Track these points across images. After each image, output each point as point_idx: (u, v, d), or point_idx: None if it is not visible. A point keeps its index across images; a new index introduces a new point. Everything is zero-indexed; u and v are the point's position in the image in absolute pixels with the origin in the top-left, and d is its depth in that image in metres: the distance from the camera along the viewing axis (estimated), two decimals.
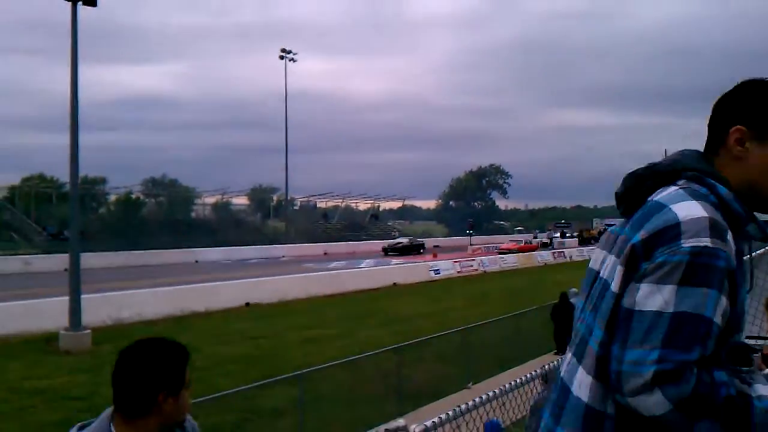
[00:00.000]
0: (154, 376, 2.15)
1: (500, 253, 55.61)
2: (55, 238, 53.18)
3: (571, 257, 57.11)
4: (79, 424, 2.19)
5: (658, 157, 1.79)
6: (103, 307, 21.32)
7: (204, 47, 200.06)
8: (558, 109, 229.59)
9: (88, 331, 18.50)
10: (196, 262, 49.26)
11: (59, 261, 35.97)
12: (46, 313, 19.74)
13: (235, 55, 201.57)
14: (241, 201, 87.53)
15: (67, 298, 18.90)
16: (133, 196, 77.42)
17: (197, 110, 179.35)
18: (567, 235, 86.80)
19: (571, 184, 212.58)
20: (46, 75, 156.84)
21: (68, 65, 19.48)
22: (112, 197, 78.13)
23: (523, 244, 64.66)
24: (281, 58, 69.97)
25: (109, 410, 2.18)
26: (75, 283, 18.76)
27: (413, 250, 62.84)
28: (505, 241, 70.49)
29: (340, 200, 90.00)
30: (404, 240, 67.12)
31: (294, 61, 70.84)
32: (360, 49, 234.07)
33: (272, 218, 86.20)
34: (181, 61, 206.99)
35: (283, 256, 55.64)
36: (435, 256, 52.02)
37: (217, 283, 28.03)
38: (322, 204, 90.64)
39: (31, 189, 67.61)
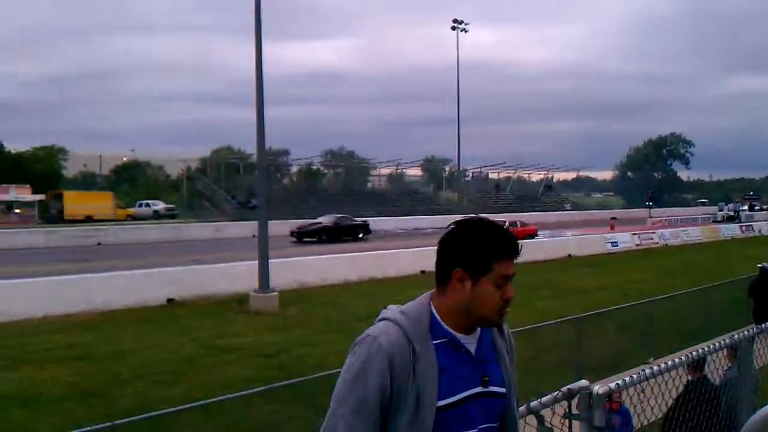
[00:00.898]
0: (455, 248, 2.08)
1: None
2: (243, 206, 56.25)
3: (760, 231, 53.44)
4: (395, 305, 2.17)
5: None
6: (289, 272, 22.38)
7: (377, 22, 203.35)
8: (744, 74, 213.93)
9: (276, 293, 19.29)
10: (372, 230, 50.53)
11: (248, 228, 38.29)
12: (238, 276, 20.96)
13: (407, 28, 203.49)
14: (414, 172, 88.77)
15: (256, 262, 19.83)
16: (314, 168, 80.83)
17: (371, 84, 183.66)
18: (756, 207, 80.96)
19: (761, 154, 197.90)
20: (232, 52, 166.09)
21: (253, 42, 20.08)
22: (294, 168, 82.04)
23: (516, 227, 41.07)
24: (453, 28, 69.88)
25: (433, 290, 2.15)
26: (263, 249, 19.64)
27: (342, 234, 42.63)
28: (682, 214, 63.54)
29: (512, 171, 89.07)
30: (325, 220, 44.31)
31: (465, 31, 70.59)
32: (530, 18, 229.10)
33: (445, 189, 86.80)
34: (355, 36, 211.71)
35: None
36: (612, 228, 50.29)
37: (393, 251, 28.71)
38: (494, 175, 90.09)
39: (221, 160, 72.07)
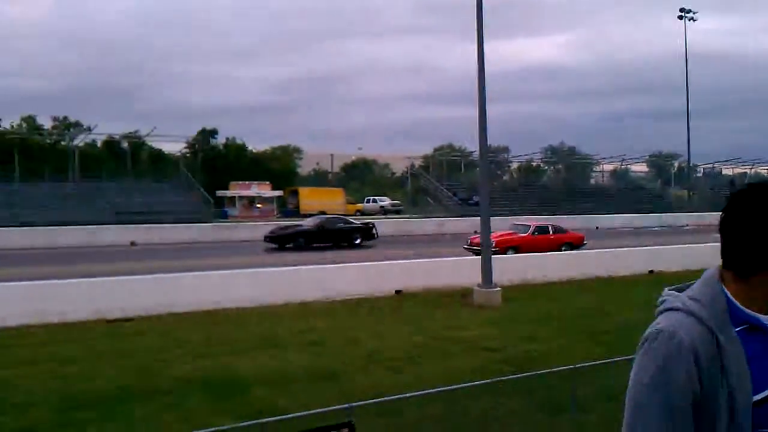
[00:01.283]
0: None
1: (474, 251, 26.27)
2: (464, 202, 57.08)
3: None
4: (671, 287, 1.96)
5: None
6: (512, 267, 22.57)
7: (599, 15, 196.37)
8: None
9: (499, 288, 19.46)
10: (596, 228, 49.29)
11: (469, 224, 38.89)
12: (462, 271, 21.39)
13: (629, 19, 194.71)
14: (639, 168, 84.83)
15: (479, 257, 20.26)
16: (534, 164, 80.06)
17: (593, 78, 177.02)
18: None
19: None
20: (453, 52, 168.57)
21: (471, 41, 20.50)
22: (514, 165, 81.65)
23: (526, 235, 30.78)
24: (680, 18, 66.61)
25: (713, 269, 1.91)
26: (486, 244, 19.99)
27: (331, 239, 35.91)
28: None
29: (749, 167, 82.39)
30: (309, 222, 37.85)
31: (694, 20, 66.89)
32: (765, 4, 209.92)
33: (673, 186, 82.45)
34: (575, 30, 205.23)
35: (687, 225, 52.98)
36: None
37: (619, 249, 27.95)
38: (727, 171, 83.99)
39: (443, 158, 73.53)
